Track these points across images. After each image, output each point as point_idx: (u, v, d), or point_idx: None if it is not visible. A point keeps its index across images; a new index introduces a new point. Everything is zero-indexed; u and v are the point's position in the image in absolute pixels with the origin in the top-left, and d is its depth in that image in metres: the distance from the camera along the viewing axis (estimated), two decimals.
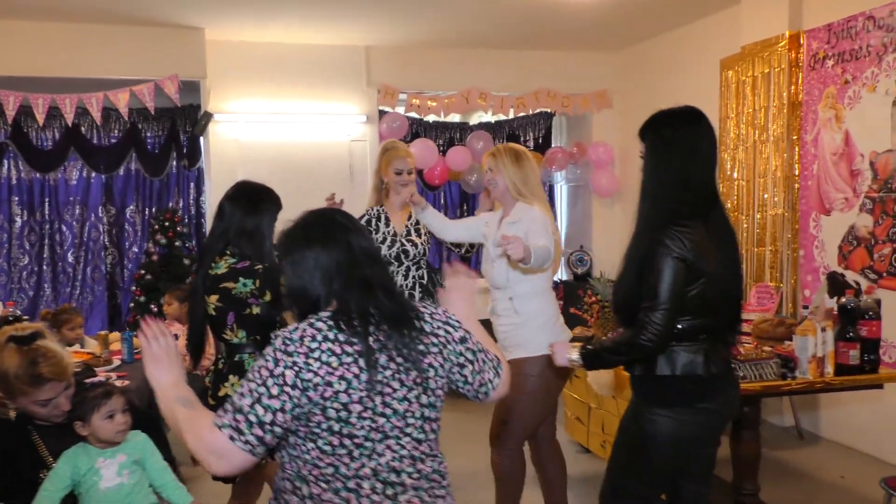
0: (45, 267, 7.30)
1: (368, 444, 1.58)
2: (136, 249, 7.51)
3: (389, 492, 1.61)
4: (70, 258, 7.37)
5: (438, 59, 6.59)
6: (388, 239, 3.78)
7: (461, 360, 1.73)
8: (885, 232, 4.33)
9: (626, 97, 6.81)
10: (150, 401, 2.21)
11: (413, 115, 6.66)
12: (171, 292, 4.92)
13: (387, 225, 3.87)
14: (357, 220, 1.78)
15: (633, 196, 2.33)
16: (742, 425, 3.20)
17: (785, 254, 4.95)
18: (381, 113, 6.56)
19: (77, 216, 7.39)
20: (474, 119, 7.84)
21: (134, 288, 6.68)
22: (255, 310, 2.75)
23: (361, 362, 1.57)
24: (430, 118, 7.01)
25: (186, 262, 6.54)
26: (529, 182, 3.05)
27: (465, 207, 7.95)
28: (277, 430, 1.53)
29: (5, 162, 7.14)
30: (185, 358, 2.91)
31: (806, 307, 3.49)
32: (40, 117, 5.68)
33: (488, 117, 7.38)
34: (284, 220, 1.83)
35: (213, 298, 2.76)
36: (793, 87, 4.85)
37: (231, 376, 2.81)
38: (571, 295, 6.06)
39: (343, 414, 1.55)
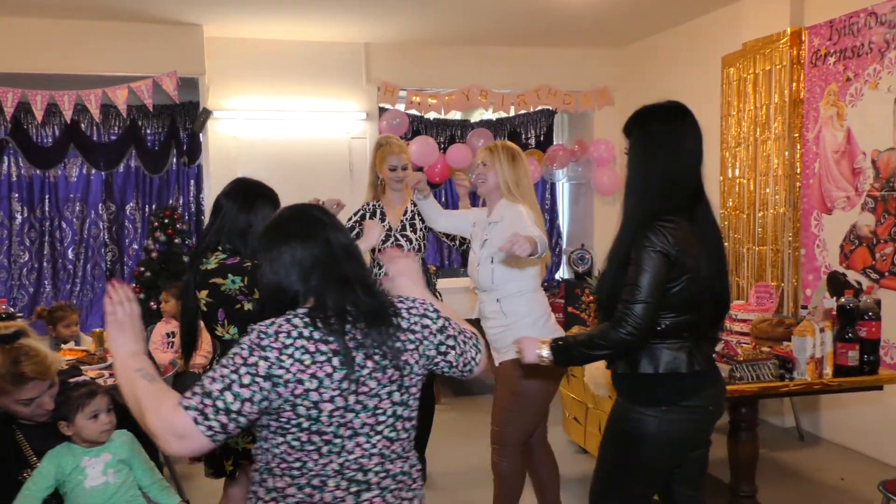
0: (45, 264, 7.30)
1: (338, 440, 1.57)
2: (135, 246, 7.50)
3: (353, 489, 1.60)
4: (70, 255, 7.37)
5: (439, 56, 6.55)
6: (384, 234, 3.76)
7: (443, 348, 1.73)
8: (886, 231, 4.28)
9: (627, 94, 6.76)
10: None
11: (413, 112, 6.63)
12: (168, 289, 4.92)
13: (382, 220, 3.85)
14: (334, 216, 1.77)
15: None
16: (739, 426, 3.17)
17: (786, 253, 4.91)
18: (382, 110, 6.53)
19: (77, 213, 7.38)
20: (475, 116, 7.80)
21: (133, 285, 6.67)
22: (248, 306, 2.73)
23: (335, 361, 1.56)
24: (431, 115, 6.97)
25: (186, 259, 6.53)
26: (522, 184, 3.03)
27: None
28: (242, 420, 1.51)
29: (5, 159, 7.14)
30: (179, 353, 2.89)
31: (805, 307, 3.45)
32: (39, 114, 5.67)
33: (489, 115, 7.34)
34: None
35: (203, 294, 2.74)
36: (794, 84, 4.80)
37: None
38: (571, 294, 6.03)
39: (314, 412, 1.54)
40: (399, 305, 1.71)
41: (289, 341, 1.54)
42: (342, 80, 6.34)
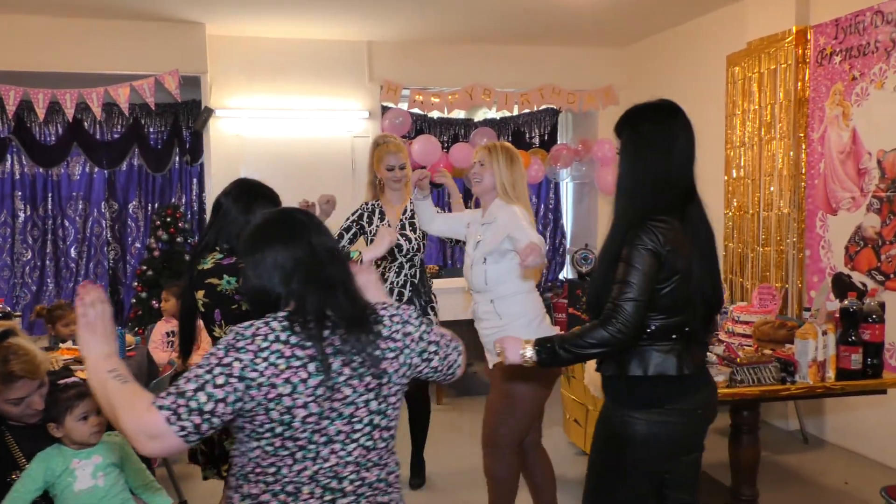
0: (47, 262, 7.32)
1: (312, 447, 1.56)
2: (138, 245, 7.52)
3: (328, 497, 1.59)
4: (73, 253, 7.39)
5: (442, 55, 6.52)
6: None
7: (426, 355, 1.73)
8: (892, 232, 4.23)
9: (632, 94, 6.70)
10: None
11: (416, 111, 6.59)
12: (169, 288, 4.90)
13: (381, 219, 3.83)
14: (317, 218, 1.76)
15: None
16: (741, 429, 3.13)
17: (790, 254, 4.86)
18: (385, 109, 6.50)
19: (80, 211, 7.40)
20: (479, 116, 7.77)
21: (136, 284, 6.67)
22: (244, 307, 2.70)
23: (311, 367, 1.54)
24: (434, 114, 6.95)
25: (188, 258, 6.52)
26: (518, 186, 3.01)
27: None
28: (216, 420, 1.49)
29: (8, 157, 7.15)
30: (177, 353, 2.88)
31: (808, 309, 3.40)
32: (41, 112, 5.66)
33: (493, 114, 7.31)
34: None
35: (200, 294, 2.72)
36: (799, 83, 4.75)
37: None
38: (573, 294, 5.99)
39: (286, 417, 1.52)
40: (382, 312, 1.69)
41: (265, 345, 1.52)
42: (345, 78, 6.32)
